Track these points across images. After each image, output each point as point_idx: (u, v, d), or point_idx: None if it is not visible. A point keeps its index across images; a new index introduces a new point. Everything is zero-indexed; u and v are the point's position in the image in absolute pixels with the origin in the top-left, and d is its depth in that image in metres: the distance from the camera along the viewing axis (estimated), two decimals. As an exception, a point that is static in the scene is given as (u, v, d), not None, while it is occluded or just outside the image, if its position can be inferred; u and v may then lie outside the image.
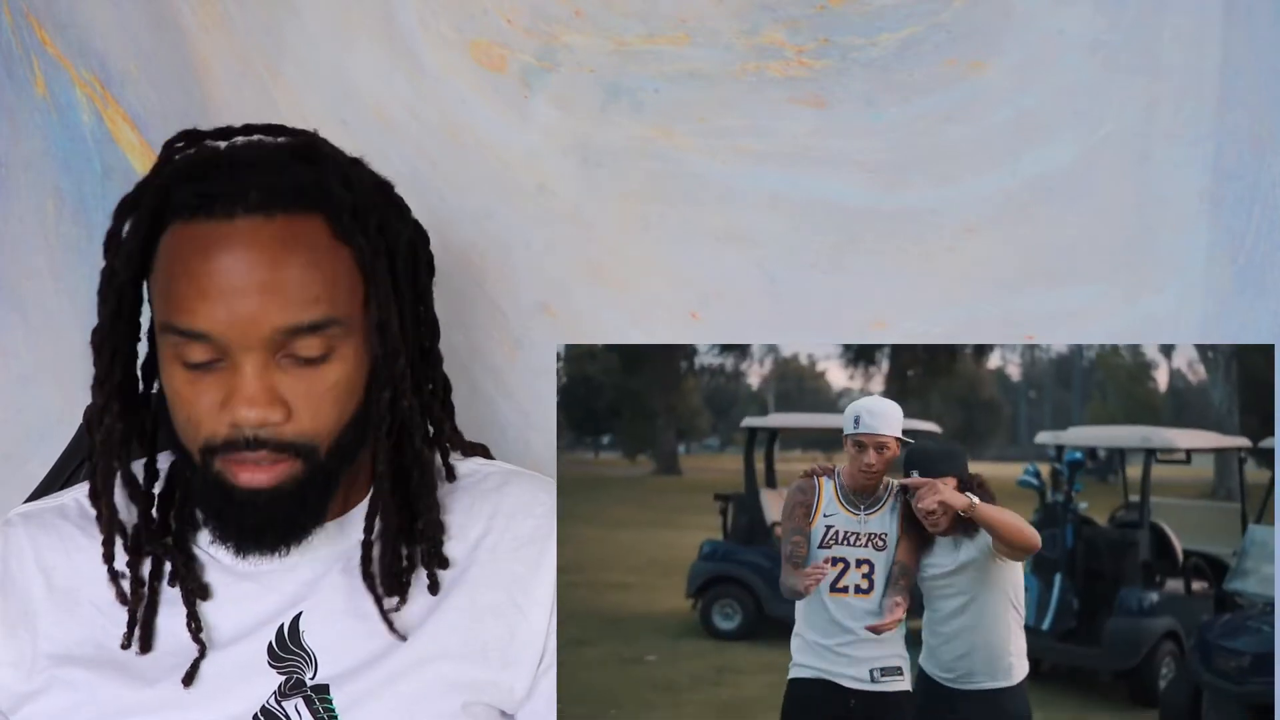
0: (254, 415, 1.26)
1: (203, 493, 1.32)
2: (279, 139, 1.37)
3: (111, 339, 1.34)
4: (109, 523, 1.36)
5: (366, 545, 1.35)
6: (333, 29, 1.80)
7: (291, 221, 1.27)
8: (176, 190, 1.28)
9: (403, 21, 1.77)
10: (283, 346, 1.26)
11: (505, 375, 1.80)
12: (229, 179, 1.27)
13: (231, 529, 1.32)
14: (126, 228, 1.31)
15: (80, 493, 1.40)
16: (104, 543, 1.36)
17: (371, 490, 1.37)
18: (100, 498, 1.36)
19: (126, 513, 1.38)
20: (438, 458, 1.45)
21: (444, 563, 1.39)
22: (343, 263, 1.29)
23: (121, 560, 1.36)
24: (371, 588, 1.35)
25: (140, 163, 1.89)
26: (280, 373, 1.27)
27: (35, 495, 1.63)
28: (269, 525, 1.31)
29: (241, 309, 1.24)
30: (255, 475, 1.28)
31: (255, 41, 1.83)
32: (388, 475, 1.35)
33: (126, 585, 1.36)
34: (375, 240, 1.31)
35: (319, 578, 1.37)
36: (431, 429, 1.43)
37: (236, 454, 1.27)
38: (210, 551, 1.38)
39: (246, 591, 1.36)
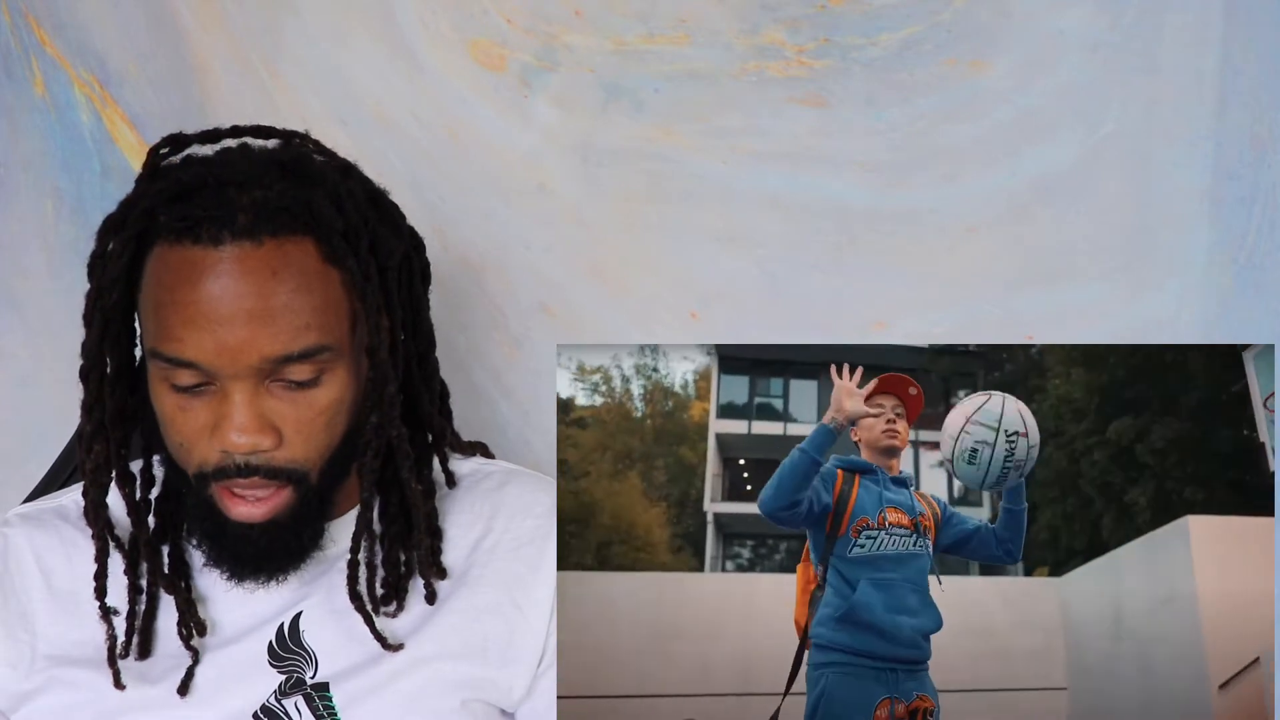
0: (245, 442, 1.25)
1: (196, 513, 1.32)
2: (268, 143, 1.34)
3: (99, 364, 1.31)
4: (101, 554, 1.35)
5: (352, 565, 1.35)
6: (332, 29, 1.80)
7: (280, 246, 1.23)
8: (162, 212, 1.25)
9: (402, 21, 1.77)
10: (272, 373, 1.24)
11: (505, 375, 1.80)
12: (215, 200, 1.24)
13: (226, 560, 1.32)
14: (111, 248, 1.28)
15: (79, 493, 1.39)
16: (96, 575, 1.34)
17: (358, 510, 1.35)
18: (92, 526, 1.35)
19: (122, 519, 1.37)
20: (437, 465, 1.44)
21: (442, 573, 1.39)
22: (333, 286, 1.26)
23: (119, 566, 1.36)
24: (359, 608, 1.34)
25: (139, 163, 1.86)
26: (270, 397, 1.25)
27: (34, 495, 1.63)
28: (264, 558, 1.31)
29: (230, 338, 1.22)
30: (250, 510, 1.28)
31: (255, 41, 1.83)
32: (371, 502, 1.34)
33: (119, 604, 1.35)
34: (366, 262, 1.28)
35: (318, 576, 1.37)
36: (430, 436, 1.43)
37: (229, 480, 1.27)
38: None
39: (246, 592, 1.35)
